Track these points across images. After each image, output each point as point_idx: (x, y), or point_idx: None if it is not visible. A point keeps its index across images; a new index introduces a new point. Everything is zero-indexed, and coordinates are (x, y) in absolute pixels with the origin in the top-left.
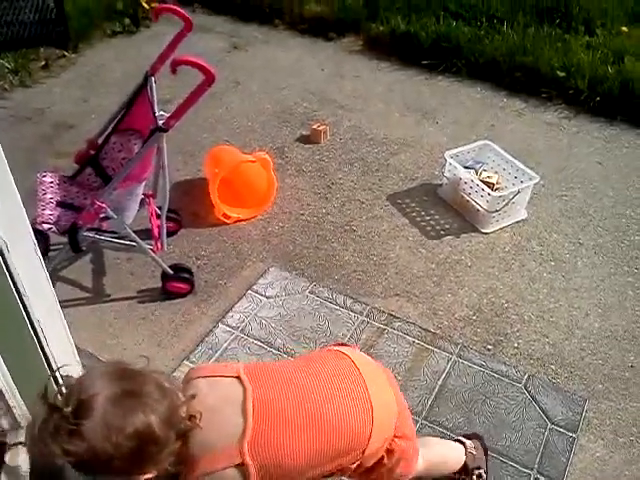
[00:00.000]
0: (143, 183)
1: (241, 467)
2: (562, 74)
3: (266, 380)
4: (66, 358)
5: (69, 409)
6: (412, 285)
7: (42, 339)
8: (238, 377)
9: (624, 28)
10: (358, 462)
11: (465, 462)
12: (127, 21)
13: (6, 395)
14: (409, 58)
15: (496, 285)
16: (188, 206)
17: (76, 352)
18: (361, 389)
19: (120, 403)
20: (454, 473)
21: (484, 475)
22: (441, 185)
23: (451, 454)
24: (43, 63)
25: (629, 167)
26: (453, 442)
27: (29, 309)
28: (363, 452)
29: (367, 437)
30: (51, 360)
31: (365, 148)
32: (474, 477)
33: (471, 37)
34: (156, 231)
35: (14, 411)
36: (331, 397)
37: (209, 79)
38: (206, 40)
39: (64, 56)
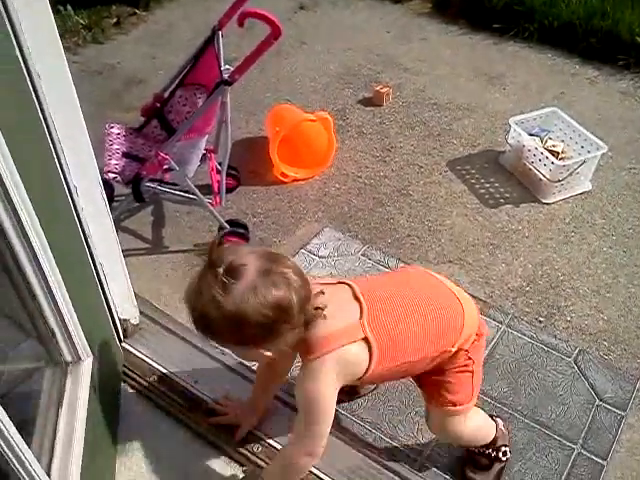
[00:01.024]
0: (205, 137)
1: (364, 341)
2: None
3: (366, 281)
4: (124, 301)
5: (222, 268)
6: (466, 253)
7: (103, 280)
8: (341, 282)
9: None
10: (454, 349)
11: (495, 437)
12: None
13: (70, 327)
14: (479, 21)
15: (553, 257)
16: (248, 164)
17: (134, 297)
18: (450, 292)
19: (267, 276)
20: (482, 446)
21: (509, 454)
22: (504, 152)
23: (487, 424)
24: (115, 20)
25: None
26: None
27: (93, 250)
28: (460, 333)
29: (461, 324)
30: (110, 301)
31: (427, 112)
32: (500, 453)
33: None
34: (216, 186)
35: (76, 343)
36: (428, 296)
37: (275, 33)
38: (273, 0)
39: (135, 14)
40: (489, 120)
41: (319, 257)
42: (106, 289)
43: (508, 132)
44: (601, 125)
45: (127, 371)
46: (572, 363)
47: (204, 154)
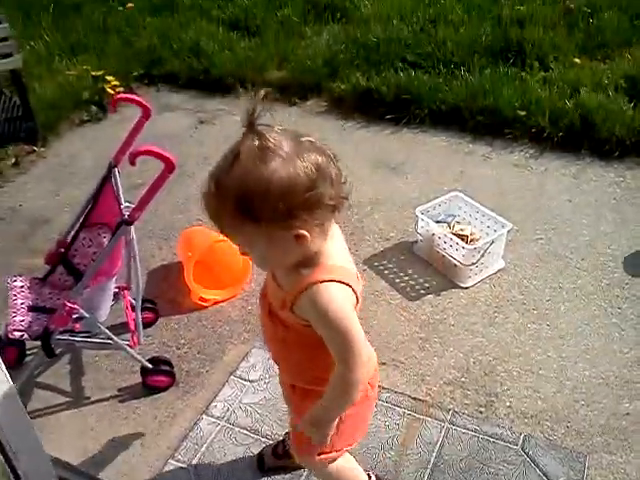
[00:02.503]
0: (114, 278)
1: (354, 292)
2: (523, 113)
3: None
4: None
5: (259, 140)
6: (397, 352)
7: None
8: None
9: (577, 59)
10: None
11: None
12: (94, 109)
13: None
14: (373, 114)
15: (481, 342)
16: (165, 293)
17: (51, 468)
18: None
19: (306, 148)
20: None
21: None
22: (416, 242)
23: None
24: (13, 161)
25: (599, 201)
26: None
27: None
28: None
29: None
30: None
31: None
32: None
33: (431, 86)
34: (132, 324)
35: None
36: None
37: (169, 167)
38: (173, 119)
39: (34, 151)
40: (397, 211)
41: (250, 381)
42: (14, 463)
43: (417, 222)
44: (502, 200)
45: None
46: (520, 451)
47: (116, 292)
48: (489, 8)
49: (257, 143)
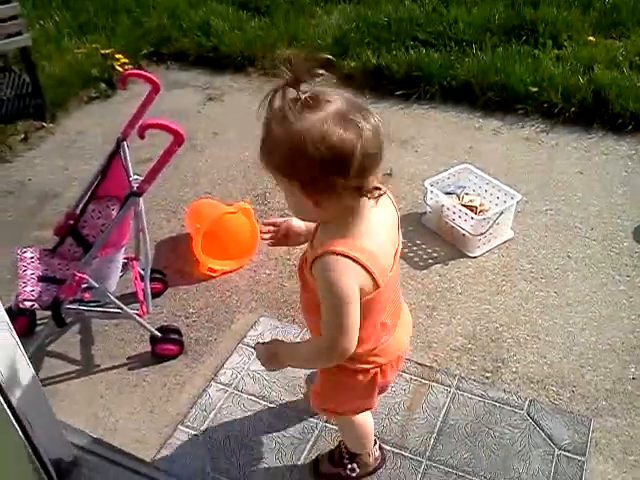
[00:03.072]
0: (123, 249)
1: (370, 275)
2: (534, 89)
3: None
4: (52, 441)
5: (306, 94)
6: None
7: (26, 425)
8: None
9: (591, 38)
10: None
11: (363, 454)
12: (103, 86)
13: None
14: (383, 90)
15: (489, 309)
16: (174, 264)
17: (64, 433)
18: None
19: (343, 119)
20: (346, 450)
21: (356, 471)
22: (425, 213)
23: (368, 437)
24: (22, 136)
25: (610, 174)
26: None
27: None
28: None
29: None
30: (37, 444)
31: None
32: (348, 466)
33: (442, 63)
34: (140, 294)
35: None
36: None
37: (178, 140)
38: (182, 95)
39: (43, 127)
40: (407, 184)
41: None
42: (30, 433)
43: (426, 194)
44: (512, 173)
45: None
46: (525, 415)
47: (125, 263)
48: None
49: (294, 100)
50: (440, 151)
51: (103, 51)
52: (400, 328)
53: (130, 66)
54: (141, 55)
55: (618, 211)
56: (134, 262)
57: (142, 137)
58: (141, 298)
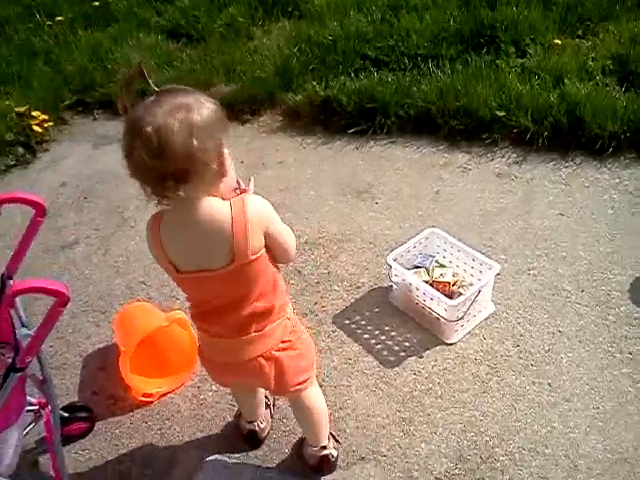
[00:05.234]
0: (17, 425)
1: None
2: (502, 113)
3: None
4: None
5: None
6: (377, 441)
7: None
8: None
9: (557, 40)
10: None
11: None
12: (21, 150)
13: None
14: (334, 126)
15: (475, 416)
16: (104, 387)
17: None
18: None
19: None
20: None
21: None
22: (392, 287)
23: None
24: None
25: (596, 214)
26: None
27: None
28: None
29: None
30: None
31: (301, 256)
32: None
33: (396, 88)
34: (53, 463)
35: None
36: None
37: (62, 300)
38: (111, 153)
39: None
40: (368, 249)
41: None
42: None
43: (390, 269)
44: (486, 224)
45: None
46: None
47: (37, 410)
48: None
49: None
50: (403, 201)
51: (18, 109)
52: None
53: (51, 123)
54: (63, 107)
55: (609, 263)
56: (46, 408)
57: None
58: (55, 466)
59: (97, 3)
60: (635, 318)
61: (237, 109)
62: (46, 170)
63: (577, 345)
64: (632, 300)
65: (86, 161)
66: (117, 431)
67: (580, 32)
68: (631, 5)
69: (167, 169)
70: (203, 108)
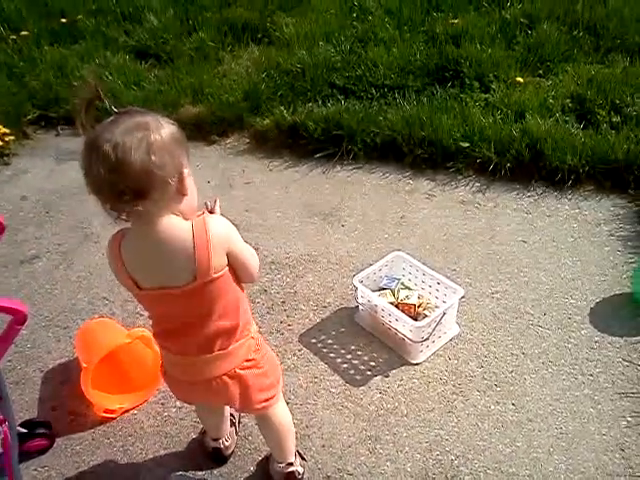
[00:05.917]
0: None
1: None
2: (465, 144)
3: None
4: None
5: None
6: (343, 459)
7: None
8: None
9: (519, 78)
10: None
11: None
12: None
13: None
14: (301, 150)
15: (440, 435)
16: (64, 403)
17: None
18: None
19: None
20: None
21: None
22: (358, 308)
23: (290, 442)
24: None
25: (557, 242)
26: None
27: None
28: None
29: None
30: None
31: (266, 275)
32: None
33: (363, 116)
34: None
35: None
36: None
37: (19, 319)
38: (75, 169)
39: None
40: (334, 270)
41: None
42: None
43: (356, 290)
44: (450, 248)
45: None
46: None
47: None
48: (421, 20)
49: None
50: (369, 224)
51: None
52: None
53: (12, 137)
54: (26, 121)
55: (570, 288)
56: (3, 425)
57: None
58: None
59: (64, 20)
60: (596, 341)
61: (205, 130)
62: (6, 184)
63: (540, 367)
64: (592, 324)
65: (48, 176)
66: (78, 448)
67: (541, 71)
68: (588, 49)
69: (125, 183)
70: (161, 128)
